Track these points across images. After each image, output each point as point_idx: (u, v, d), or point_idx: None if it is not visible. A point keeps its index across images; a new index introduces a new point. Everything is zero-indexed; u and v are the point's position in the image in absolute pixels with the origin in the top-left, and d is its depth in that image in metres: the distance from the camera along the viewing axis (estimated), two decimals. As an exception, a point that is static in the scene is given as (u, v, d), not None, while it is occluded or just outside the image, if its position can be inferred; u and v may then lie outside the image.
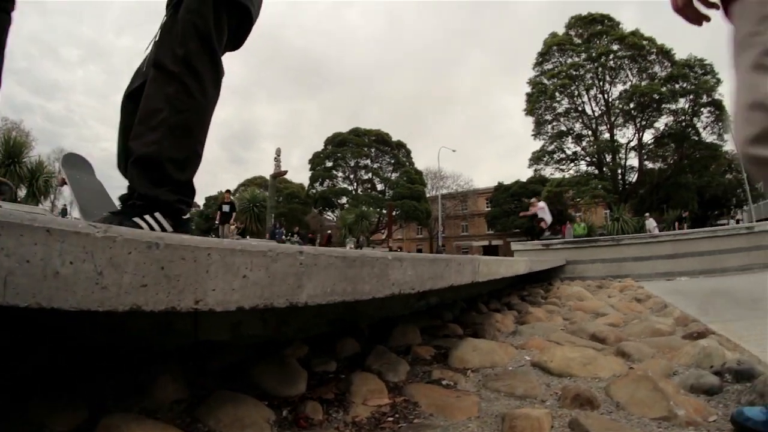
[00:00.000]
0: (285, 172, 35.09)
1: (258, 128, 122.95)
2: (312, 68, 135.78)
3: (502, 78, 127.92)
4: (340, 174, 53.65)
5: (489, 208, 60.00)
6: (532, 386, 1.97)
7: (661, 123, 37.31)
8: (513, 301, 5.27)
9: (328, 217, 55.99)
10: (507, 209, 55.17)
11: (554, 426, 1.54)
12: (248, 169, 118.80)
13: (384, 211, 46.00)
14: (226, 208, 18.46)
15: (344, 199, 52.47)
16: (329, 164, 53.06)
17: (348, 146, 52.78)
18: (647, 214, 21.40)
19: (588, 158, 38.47)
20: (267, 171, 53.64)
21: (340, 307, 2.53)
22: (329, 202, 52.44)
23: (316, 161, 53.18)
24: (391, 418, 1.58)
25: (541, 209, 16.59)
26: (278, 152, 54.15)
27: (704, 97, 34.94)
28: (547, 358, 2.33)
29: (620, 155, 38.06)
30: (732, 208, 45.83)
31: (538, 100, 38.79)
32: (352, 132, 53.78)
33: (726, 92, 33.88)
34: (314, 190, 52.87)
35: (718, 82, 35.12)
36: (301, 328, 2.42)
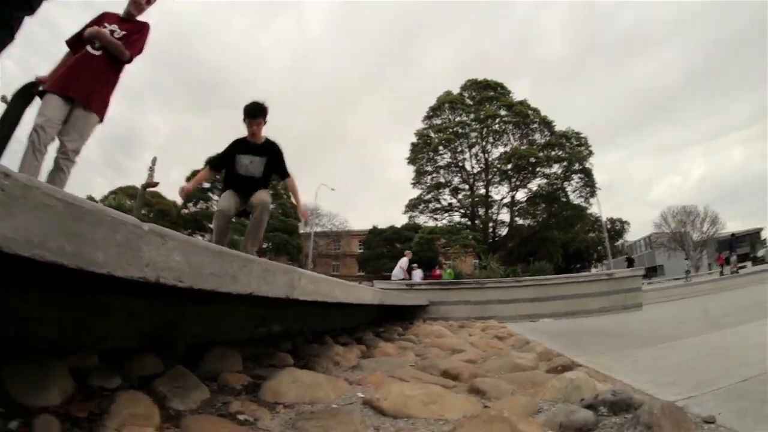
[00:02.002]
0: (156, 184, 32.52)
1: (143, 136, 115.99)
2: (212, 84, 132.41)
3: (393, 126, 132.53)
4: (215, 197, 50.52)
5: (362, 250, 60.59)
6: (354, 429, 1.62)
7: (535, 184, 39.89)
8: (366, 337, 4.94)
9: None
10: (379, 252, 56.04)
11: None
12: (124, 177, 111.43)
13: None
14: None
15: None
16: (206, 185, 50.14)
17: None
18: (415, 265, 22.53)
19: (462, 210, 40.05)
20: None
21: (157, 318, 2.17)
22: (201, 225, 49.31)
23: (190, 179, 50.19)
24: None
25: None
26: (154, 161, 49.13)
27: (576, 164, 37.92)
28: (380, 396, 1.98)
29: (493, 210, 40.19)
30: (593, 261, 51.11)
31: (421, 151, 39.93)
32: None
33: (596, 162, 36.93)
34: (187, 211, 49.84)
35: (590, 153, 38.88)
36: (102, 338, 1.94)
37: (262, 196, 5.12)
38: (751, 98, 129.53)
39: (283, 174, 5.47)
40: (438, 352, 4.15)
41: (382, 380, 2.45)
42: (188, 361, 2.19)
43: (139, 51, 4.67)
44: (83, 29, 4.47)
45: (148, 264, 1.11)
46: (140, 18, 4.81)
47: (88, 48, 4.35)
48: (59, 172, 4.15)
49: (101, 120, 4.47)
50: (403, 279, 17.91)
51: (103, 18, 4.62)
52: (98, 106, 4.39)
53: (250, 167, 5.24)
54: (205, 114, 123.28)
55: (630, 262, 31.33)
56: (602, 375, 2.75)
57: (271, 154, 5.35)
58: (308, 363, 2.83)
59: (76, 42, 4.50)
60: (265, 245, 45.21)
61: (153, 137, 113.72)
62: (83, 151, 4.35)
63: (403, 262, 19.43)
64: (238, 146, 5.31)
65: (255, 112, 5.17)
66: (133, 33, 4.63)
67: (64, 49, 4.60)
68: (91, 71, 4.32)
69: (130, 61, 4.60)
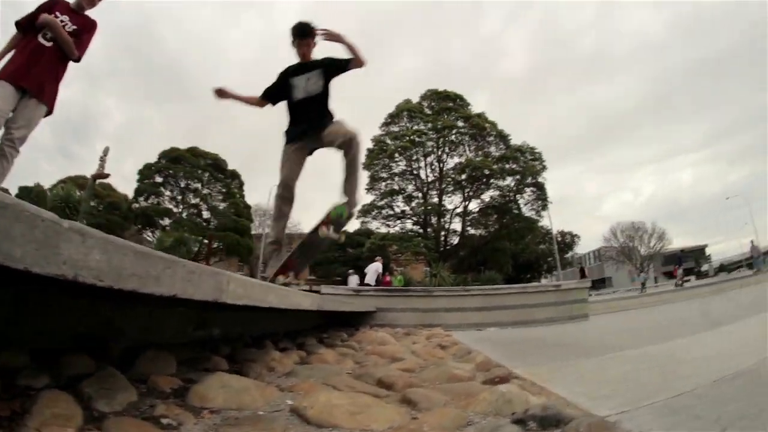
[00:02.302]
0: (107, 175, 31.14)
1: (98, 123, 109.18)
2: (173, 75, 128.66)
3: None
4: (168, 193, 49.17)
5: (313, 254, 60.29)
6: None
7: (488, 195, 40.42)
8: (308, 342, 4.79)
9: (148, 238, 49.48)
10: (330, 256, 55.68)
11: None
12: (75, 166, 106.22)
13: (206, 241, 43.87)
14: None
15: (167, 221, 48.19)
16: (159, 179, 48.60)
17: (182, 165, 48.89)
18: (351, 270, 22.96)
19: (415, 218, 40.15)
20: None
21: (92, 319, 2.16)
22: (151, 220, 47.69)
23: (145, 173, 48.30)
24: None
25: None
26: (106, 151, 46.13)
27: (529, 178, 38.70)
28: (308, 404, 1.93)
29: (446, 219, 40.38)
30: (542, 272, 52.70)
31: (377, 158, 39.86)
32: (189, 150, 50.03)
33: (549, 177, 37.71)
34: (138, 205, 47.92)
35: (544, 168, 39.82)
36: (34, 337, 1.96)
37: (340, 127, 4.68)
38: (702, 125, 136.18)
39: (345, 62, 4.80)
40: (377, 360, 4.08)
41: (314, 388, 2.37)
42: (123, 363, 2.15)
43: (85, 52, 4.75)
44: (36, 13, 4.48)
45: (66, 261, 1.10)
46: (90, 13, 4.83)
47: (40, 38, 4.41)
48: (2, 159, 4.19)
49: (50, 112, 4.56)
50: (375, 285, 18.12)
51: (55, 5, 4.59)
52: (49, 98, 4.48)
53: (309, 85, 4.79)
54: (163, 106, 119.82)
55: (582, 273, 32.36)
56: (539, 387, 2.67)
57: (324, 61, 4.85)
58: (242, 368, 2.76)
59: (28, 25, 4.50)
60: (215, 245, 44.21)
61: (107, 126, 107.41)
62: (28, 141, 4.39)
63: (377, 267, 19.69)
64: (290, 71, 4.92)
65: (304, 31, 4.77)
66: (84, 31, 4.70)
67: (12, 30, 4.58)
68: (43, 63, 4.40)
69: (78, 60, 4.67)
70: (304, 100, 4.81)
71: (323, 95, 4.85)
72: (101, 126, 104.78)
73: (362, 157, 4.58)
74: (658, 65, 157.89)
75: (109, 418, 1.51)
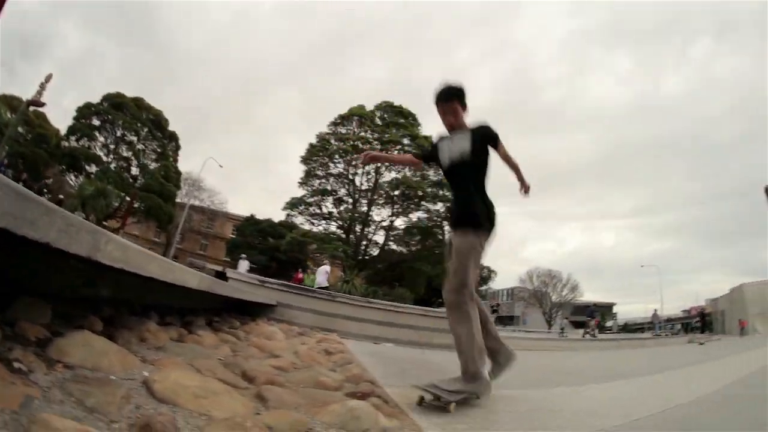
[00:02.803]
0: (43, 104, 29.28)
1: (51, 45, 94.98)
2: (148, 18, 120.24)
3: (300, 124, 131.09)
4: (101, 139, 46.24)
5: (234, 236, 58.88)
6: (110, 401, 1.58)
7: (416, 215, 40.80)
8: (196, 323, 4.63)
9: (70, 181, 46.54)
10: (250, 242, 54.84)
11: None
12: (15, 84, 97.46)
13: (128, 199, 41.88)
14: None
15: (94, 168, 45.09)
16: (97, 123, 45.77)
17: (124, 113, 46.26)
18: (243, 255, 23.35)
19: (340, 221, 40.24)
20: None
21: None
22: (78, 164, 44.49)
23: (84, 112, 45.37)
24: None
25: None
26: (48, 78, 41.24)
27: (459, 209, 38.74)
28: (158, 378, 1.93)
29: (370, 229, 40.73)
30: None
31: (317, 154, 39.83)
32: (134, 100, 47.52)
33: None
34: (68, 144, 44.67)
35: (476, 201, 40.10)
36: None
37: (460, 240, 3.55)
38: (634, 197, 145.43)
39: (492, 140, 3.83)
40: (255, 352, 4.05)
41: (174, 365, 2.35)
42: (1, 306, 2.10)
43: None
44: None
45: None
46: None
47: None
48: None
49: None
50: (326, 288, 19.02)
51: None
52: None
53: (453, 148, 3.80)
54: (124, 48, 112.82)
55: (495, 306, 33.04)
56: (399, 409, 2.62)
57: (475, 130, 3.84)
58: (114, 333, 2.64)
59: None
60: (137, 205, 42.40)
61: (59, 51, 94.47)
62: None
63: (327, 269, 21.98)
64: (440, 138, 4.02)
65: (445, 95, 3.88)
66: None
67: None
68: None
69: None
70: (450, 171, 3.90)
71: (470, 166, 3.80)
72: (53, 49, 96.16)
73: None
74: (608, 133, 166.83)
75: None
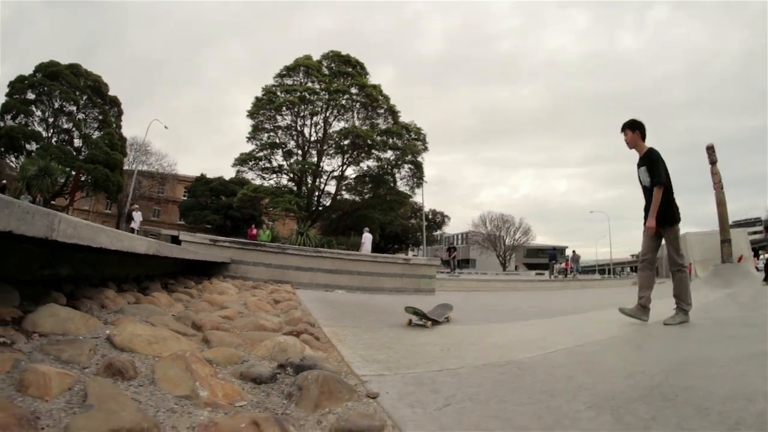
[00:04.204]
0: None
1: None
2: None
3: (246, 78, 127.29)
4: (38, 113, 43.40)
5: (186, 198, 58.04)
6: (80, 353, 1.91)
7: (366, 164, 40.74)
8: (152, 287, 4.82)
9: (10, 163, 43.56)
10: (203, 202, 54.19)
11: (73, 388, 1.52)
12: None
13: (73, 173, 39.90)
14: None
15: (34, 146, 42.55)
16: (32, 96, 42.76)
17: (60, 83, 43.36)
18: (135, 206, 24.22)
19: (291, 174, 39.64)
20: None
21: None
22: (16, 144, 41.84)
23: (17, 87, 42.45)
24: None
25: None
26: None
27: (409, 155, 39.51)
28: (117, 333, 2.25)
29: (321, 180, 40.34)
30: (409, 245, 54.55)
31: (264, 107, 38.76)
32: (70, 67, 44.45)
33: (434, 159, 39.11)
34: (3, 124, 41.81)
35: (425, 149, 41.16)
36: None
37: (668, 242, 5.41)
38: (585, 147, 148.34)
39: (651, 179, 5.29)
40: (206, 306, 4.33)
41: (130, 322, 2.54)
42: None
43: None
44: None
45: None
46: None
47: None
48: None
49: None
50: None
51: None
52: None
53: (642, 176, 5.45)
54: (55, 9, 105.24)
55: (451, 250, 33.43)
56: (330, 344, 2.94)
57: (646, 159, 5.38)
58: (77, 304, 2.89)
59: None
60: (83, 178, 40.76)
61: None
62: None
63: (370, 237, 22.95)
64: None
65: (622, 127, 5.59)
66: None
67: None
68: None
69: None
70: (643, 189, 5.49)
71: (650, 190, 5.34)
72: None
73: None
74: (560, 86, 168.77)
75: None
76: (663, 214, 5.24)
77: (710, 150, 22.45)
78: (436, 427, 1.58)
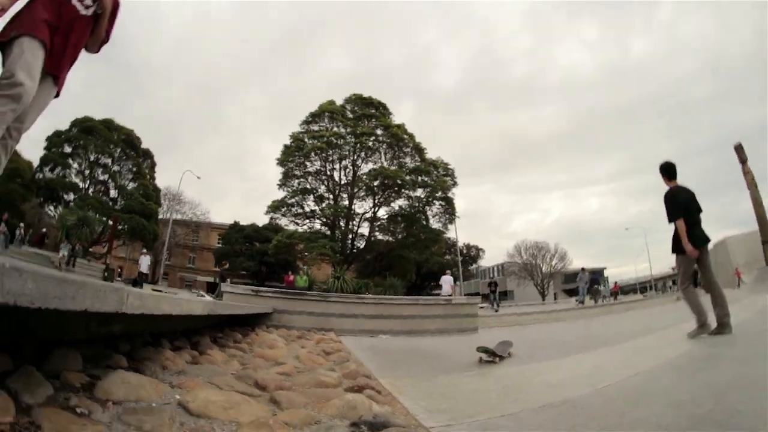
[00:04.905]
0: None
1: None
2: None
3: (271, 124, 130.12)
4: (75, 165, 45.44)
5: (220, 245, 58.84)
6: (161, 423, 1.94)
7: (398, 204, 40.57)
8: (202, 342, 4.96)
9: (50, 213, 46.01)
10: (237, 249, 54.75)
11: None
12: None
13: (110, 222, 41.02)
14: None
15: (72, 196, 44.25)
16: (68, 150, 44.90)
17: (94, 137, 45.44)
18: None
19: (324, 218, 39.77)
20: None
21: (7, 324, 2.24)
22: (55, 195, 43.64)
23: (54, 141, 44.44)
24: (6, 437, 1.50)
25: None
26: None
27: (439, 192, 39.48)
28: (190, 399, 2.30)
29: (354, 222, 40.26)
30: None
31: (293, 154, 39.26)
32: (104, 122, 46.68)
33: (462, 191, 39.29)
34: (42, 175, 43.67)
35: (455, 184, 40.99)
36: None
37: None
38: (612, 161, 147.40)
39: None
40: (261, 362, 4.38)
41: (198, 386, 2.67)
42: (36, 359, 2.37)
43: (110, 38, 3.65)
44: None
45: (8, 292, 1.35)
46: None
47: (76, 2, 3.22)
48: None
49: (58, 94, 3.34)
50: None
51: None
52: (63, 81, 3.32)
53: None
54: (88, 64, 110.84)
55: (493, 285, 32.78)
56: (391, 397, 3.03)
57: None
58: (140, 366, 2.99)
59: None
60: (120, 227, 41.86)
61: None
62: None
63: (450, 279, 22.81)
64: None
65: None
66: (115, 8, 3.57)
67: None
68: (75, 35, 3.25)
69: (98, 50, 3.58)
70: None
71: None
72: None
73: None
74: (580, 102, 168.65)
75: (34, 409, 1.77)
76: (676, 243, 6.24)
77: (739, 149, 22.08)
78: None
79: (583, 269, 35.40)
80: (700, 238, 6.15)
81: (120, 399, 2.18)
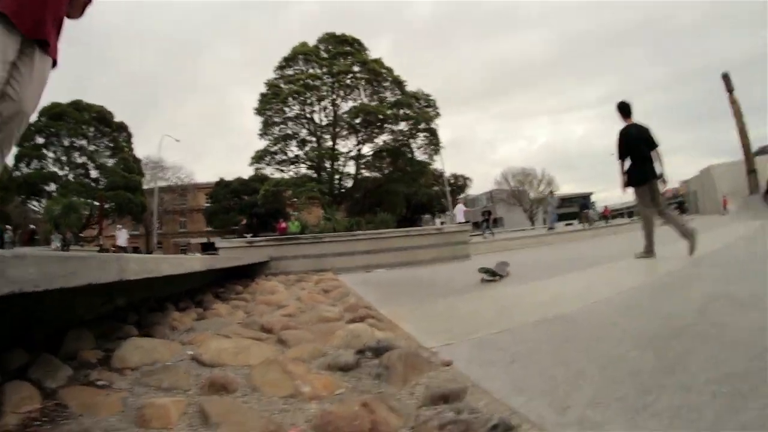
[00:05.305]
0: None
1: None
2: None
3: (245, 74, 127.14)
4: (51, 155, 44.95)
5: (209, 204, 58.91)
6: (178, 378, 2.02)
7: (381, 139, 40.54)
8: (206, 299, 5.08)
9: (34, 208, 46.15)
10: (226, 205, 54.75)
11: (188, 412, 1.64)
12: None
13: (97, 203, 40.88)
14: None
15: (53, 186, 43.91)
16: (40, 141, 44.19)
17: (65, 121, 44.57)
18: (119, 226, 24.81)
19: (309, 162, 39.70)
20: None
21: (16, 315, 2.42)
22: (36, 189, 43.15)
23: (25, 135, 41.20)
24: (38, 422, 1.57)
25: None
26: None
27: (423, 124, 39.28)
28: (202, 351, 2.40)
29: (339, 162, 40.24)
30: (435, 212, 54.75)
31: (270, 102, 38.77)
32: (72, 105, 45.66)
33: (446, 121, 39.07)
34: (19, 173, 42.75)
35: (437, 114, 40.78)
36: None
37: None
38: (599, 87, 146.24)
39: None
40: (264, 308, 4.45)
41: (208, 338, 2.76)
42: (51, 346, 2.42)
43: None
44: None
45: (13, 281, 1.39)
46: None
47: None
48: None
49: (55, 64, 2.87)
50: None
51: None
52: (54, 49, 2.80)
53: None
54: None
55: (487, 214, 32.95)
56: (392, 324, 3.15)
57: None
58: (149, 331, 3.06)
59: None
60: (107, 206, 41.52)
61: None
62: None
63: (461, 207, 24.31)
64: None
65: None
66: None
67: None
68: None
69: (81, 14, 3.04)
70: None
71: None
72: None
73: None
74: (566, 26, 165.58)
75: (59, 391, 1.83)
76: (624, 179, 7.00)
77: (726, 78, 22.15)
78: (510, 380, 1.80)
79: (551, 193, 35.75)
80: (641, 176, 6.79)
81: (136, 365, 2.27)
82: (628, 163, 6.92)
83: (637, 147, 6.81)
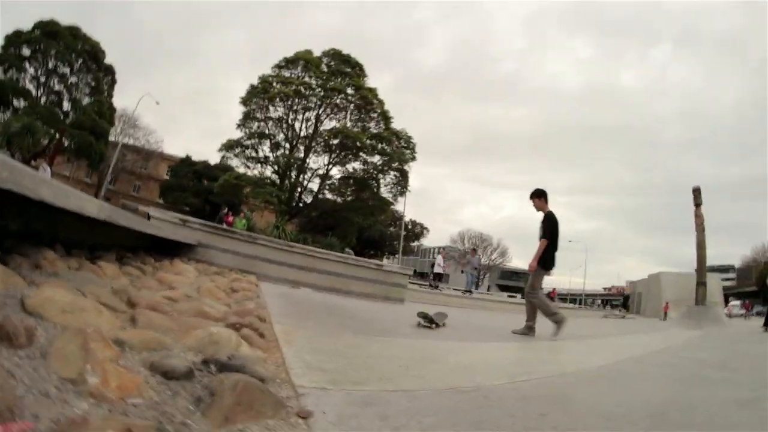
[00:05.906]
0: None
1: None
2: None
3: (246, 65, 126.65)
4: (32, 71, 42.28)
5: (168, 177, 57.51)
6: None
7: (353, 166, 40.24)
8: (106, 256, 4.63)
9: None
10: (185, 184, 53.49)
11: None
12: None
13: (58, 135, 38.80)
14: None
15: (22, 103, 41.34)
16: (27, 52, 41.70)
17: (58, 42, 42.29)
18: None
19: (276, 166, 39.07)
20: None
21: None
22: (4, 98, 40.37)
23: (13, 40, 41.11)
24: None
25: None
26: None
27: (396, 162, 39.24)
28: (32, 294, 1.99)
29: (306, 176, 39.78)
30: (385, 252, 54.73)
31: (258, 95, 38.27)
32: (70, 30, 43.39)
33: (418, 169, 39.31)
34: None
35: (413, 158, 40.86)
36: None
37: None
38: (572, 175, 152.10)
39: (541, 234, 7.10)
40: (154, 284, 4.09)
41: (54, 286, 2.28)
42: None
43: None
44: None
45: None
46: None
47: None
48: None
49: None
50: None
51: None
52: None
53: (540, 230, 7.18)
54: None
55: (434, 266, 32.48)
56: (276, 344, 2.62)
57: (544, 218, 7.15)
58: (6, 258, 2.69)
59: None
60: (66, 142, 39.76)
61: None
62: None
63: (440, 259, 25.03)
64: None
65: (530, 196, 7.48)
66: None
67: None
68: None
69: None
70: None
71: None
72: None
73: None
74: (555, 112, 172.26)
75: None
76: (542, 260, 6.99)
77: (696, 192, 22.79)
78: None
79: (474, 250, 36.06)
80: (553, 263, 7.15)
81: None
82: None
83: (557, 234, 7.14)
